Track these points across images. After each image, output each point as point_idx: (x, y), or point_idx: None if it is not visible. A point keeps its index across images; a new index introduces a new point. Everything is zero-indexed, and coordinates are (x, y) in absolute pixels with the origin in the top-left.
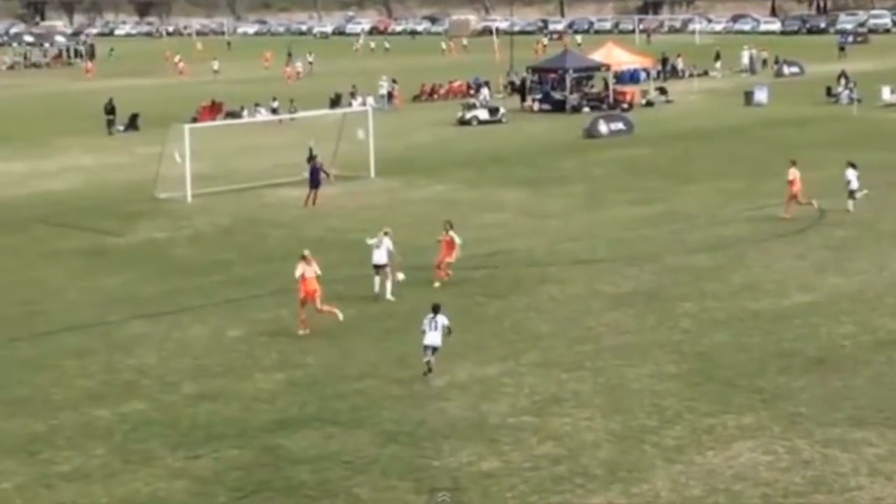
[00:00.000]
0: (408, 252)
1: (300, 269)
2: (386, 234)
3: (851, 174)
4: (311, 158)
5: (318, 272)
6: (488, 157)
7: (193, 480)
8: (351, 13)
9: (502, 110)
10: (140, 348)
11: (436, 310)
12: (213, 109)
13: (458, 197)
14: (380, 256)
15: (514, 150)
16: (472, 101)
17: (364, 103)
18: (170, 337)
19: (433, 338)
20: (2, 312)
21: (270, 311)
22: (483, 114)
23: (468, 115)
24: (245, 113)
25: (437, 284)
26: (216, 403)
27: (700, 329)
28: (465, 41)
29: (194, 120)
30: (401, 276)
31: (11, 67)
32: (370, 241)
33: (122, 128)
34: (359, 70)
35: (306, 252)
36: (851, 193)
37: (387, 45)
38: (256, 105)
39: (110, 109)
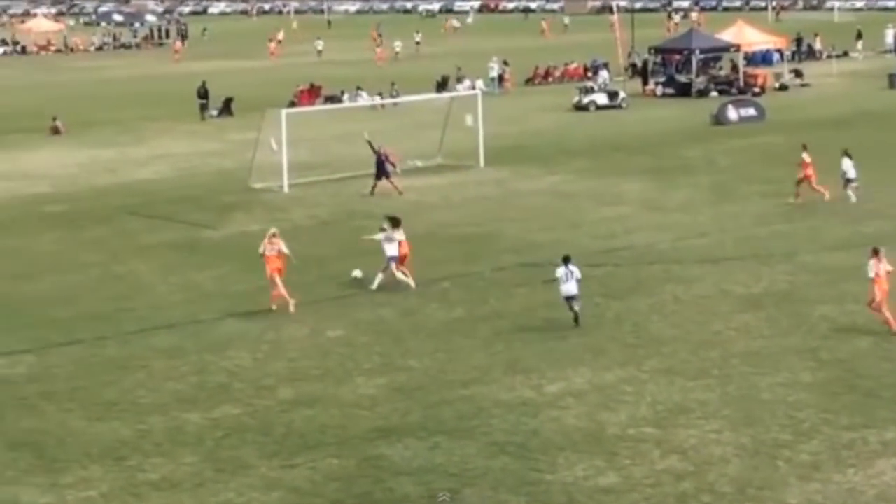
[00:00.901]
0: (521, 248)
1: (262, 247)
2: (383, 229)
3: (847, 164)
4: (374, 149)
5: (285, 251)
6: (607, 145)
7: (289, 491)
8: None
9: (622, 94)
10: (233, 349)
11: (567, 260)
12: (312, 93)
13: (574, 188)
14: (391, 250)
15: (634, 137)
16: (589, 84)
17: (473, 87)
18: (265, 337)
19: (571, 287)
20: (89, 309)
21: (372, 310)
22: (601, 98)
23: (585, 100)
24: (346, 97)
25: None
26: (313, 409)
27: (839, 335)
28: (566, 20)
29: (291, 104)
30: (357, 272)
31: (100, 48)
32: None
33: (215, 113)
34: (467, 51)
35: (273, 230)
36: (848, 182)
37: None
38: (358, 89)
39: (203, 93)
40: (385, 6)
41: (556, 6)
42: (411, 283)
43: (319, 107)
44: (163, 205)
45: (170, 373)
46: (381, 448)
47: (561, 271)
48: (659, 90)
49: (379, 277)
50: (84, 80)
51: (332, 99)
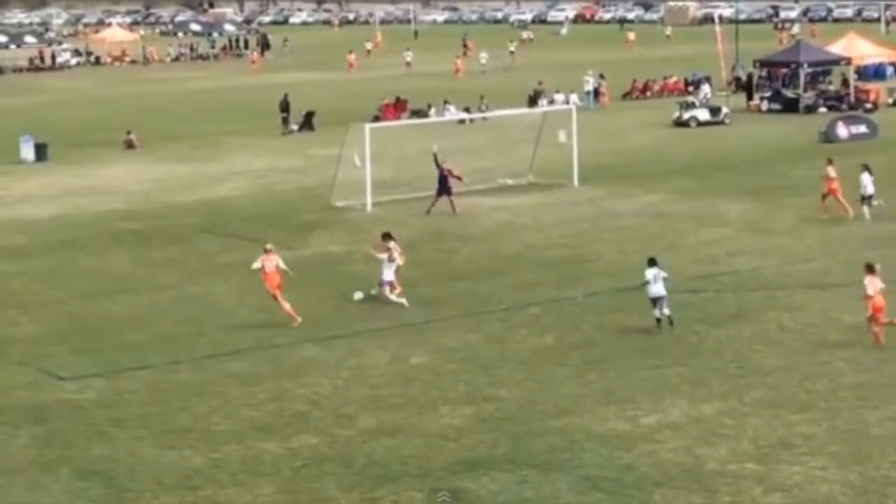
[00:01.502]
0: (616, 271)
1: (258, 262)
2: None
3: (867, 179)
4: (437, 164)
5: (282, 266)
6: (708, 163)
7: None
8: None
9: (725, 110)
10: (312, 375)
11: (653, 262)
12: (397, 107)
13: (673, 209)
14: (388, 274)
15: (737, 155)
16: (690, 99)
17: (567, 101)
18: (345, 363)
19: (660, 289)
20: (162, 332)
21: (458, 336)
22: (703, 114)
23: (686, 116)
24: (432, 111)
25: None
26: (396, 439)
27: None
28: (667, 31)
29: (376, 119)
30: (359, 295)
31: (176, 59)
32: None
33: (295, 127)
34: (561, 63)
35: (269, 245)
36: (866, 199)
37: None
38: (446, 102)
39: (285, 106)
40: (474, 16)
41: (655, 17)
42: (404, 302)
43: (405, 121)
44: (240, 223)
45: (246, 399)
46: (467, 481)
47: (650, 273)
48: (764, 105)
49: (367, 293)
50: (159, 93)
51: (418, 113)
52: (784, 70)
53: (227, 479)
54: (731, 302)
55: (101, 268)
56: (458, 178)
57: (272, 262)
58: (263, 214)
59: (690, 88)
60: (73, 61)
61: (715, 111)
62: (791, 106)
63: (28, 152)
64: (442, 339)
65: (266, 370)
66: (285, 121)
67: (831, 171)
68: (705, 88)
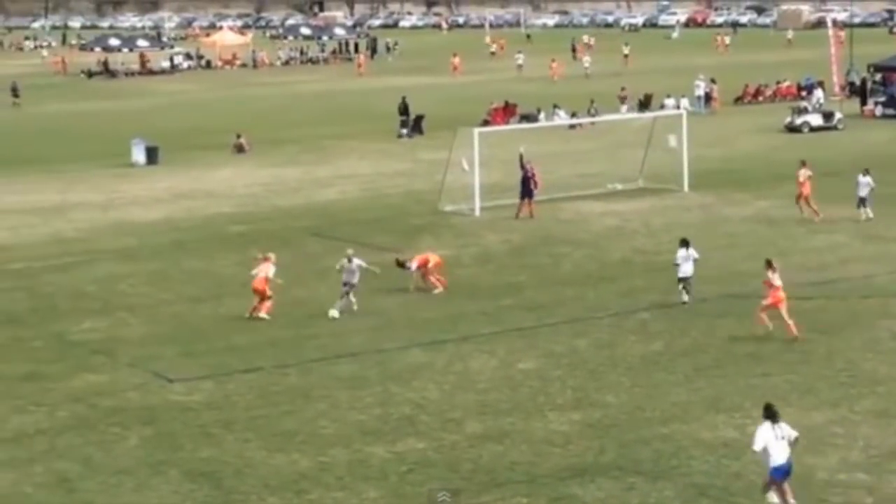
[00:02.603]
0: (725, 277)
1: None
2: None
3: (863, 181)
4: (522, 165)
5: (269, 275)
6: (821, 168)
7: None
8: (665, 2)
9: (838, 115)
10: (419, 380)
11: (686, 243)
12: (507, 111)
13: (785, 215)
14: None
15: (851, 161)
16: (802, 104)
17: (678, 106)
18: (452, 368)
19: (688, 269)
20: (269, 335)
21: (566, 341)
22: (815, 119)
23: (798, 121)
24: (542, 116)
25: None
26: (502, 445)
27: None
28: (789, 35)
29: (485, 123)
30: (334, 312)
31: (286, 63)
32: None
33: (405, 131)
34: (673, 67)
35: (270, 255)
36: (862, 202)
37: (673, 36)
38: (555, 107)
39: (404, 109)
40: (585, 20)
41: (768, 20)
42: (354, 306)
43: (513, 126)
44: (347, 227)
45: (353, 403)
46: (573, 488)
47: (682, 254)
48: (878, 111)
49: (341, 303)
50: (269, 96)
51: (527, 118)
52: None
53: (333, 482)
54: (843, 310)
55: (210, 270)
56: (535, 184)
57: (263, 271)
58: (371, 218)
59: (803, 93)
60: (185, 64)
61: (828, 116)
62: None
63: (139, 155)
64: (549, 344)
65: (373, 374)
66: (404, 123)
67: (803, 174)
68: (818, 93)
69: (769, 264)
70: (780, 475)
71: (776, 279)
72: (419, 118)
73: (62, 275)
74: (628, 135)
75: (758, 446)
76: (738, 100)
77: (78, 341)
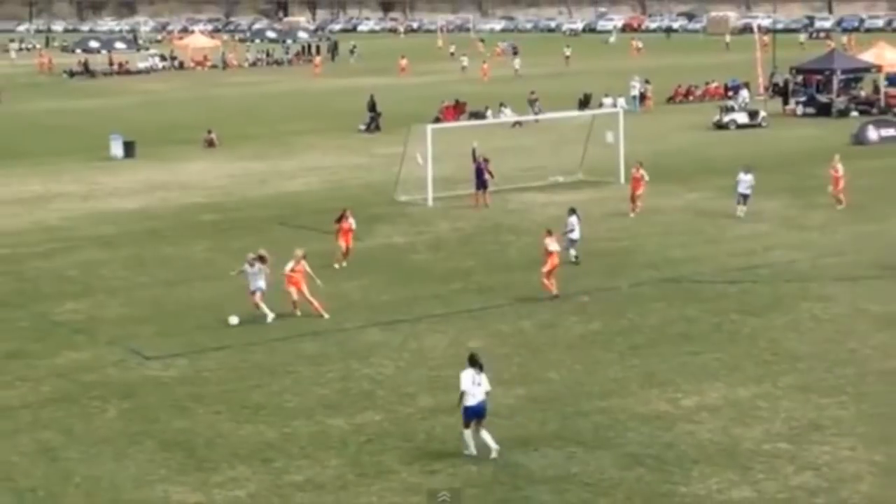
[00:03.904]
0: (659, 263)
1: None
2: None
3: (745, 179)
4: (475, 158)
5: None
6: (746, 163)
7: (429, 497)
8: (603, 9)
9: (762, 114)
10: (376, 357)
11: (573, 211)
12: (457, 109)
13: (713, 206)
14: (260, 282)
15: (774, 156)
16: (729, 103)
17: (615, 105)
18: (407, 346)
19: (576, 234)
20: (239, 315)
21: (511, 322)
22: (741, 117)
23: (726, 119)
24: (489, 113)
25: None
26: (453, 417)
27: None
28: (727, 39)
29: (437, 120)
30: (234, 319)
31: (253, 64)
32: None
33: (362, 127)
34: (610, 69)
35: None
36: (743, 198)
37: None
38: (502, 105)
39: (372, 107)
40: (529, 25)
41: (698, 26)
42: (269, 316)
43: (463, 122)
44: (311, 216)
45: (315, 379)
46: (519, 456)
47: (572, 220)
48: (799, 110)
49: (263, 308)
50: (237, 95)
51: (476, 115)
52: (818, 77)
53: (297, 451)
54: (767, 293)
55: (183, 256)
56: (490, 175)
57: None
58: (332, 208)
59: (730, 93)
60: (160, 65)
61: (753, 115)
62: (824, 110)
63: (117, 149)
64: (497, 324)
65: (334, 351)
66: (373, 119)
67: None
68: (744, 93)
69: (549, 233)
70: (471, 414)
71: (552, 245)
72: (376, 115)
73: (45, 260)
74: (569, 131)
75: (463, 386)
76: (670, 99)
77: (60, 321)
